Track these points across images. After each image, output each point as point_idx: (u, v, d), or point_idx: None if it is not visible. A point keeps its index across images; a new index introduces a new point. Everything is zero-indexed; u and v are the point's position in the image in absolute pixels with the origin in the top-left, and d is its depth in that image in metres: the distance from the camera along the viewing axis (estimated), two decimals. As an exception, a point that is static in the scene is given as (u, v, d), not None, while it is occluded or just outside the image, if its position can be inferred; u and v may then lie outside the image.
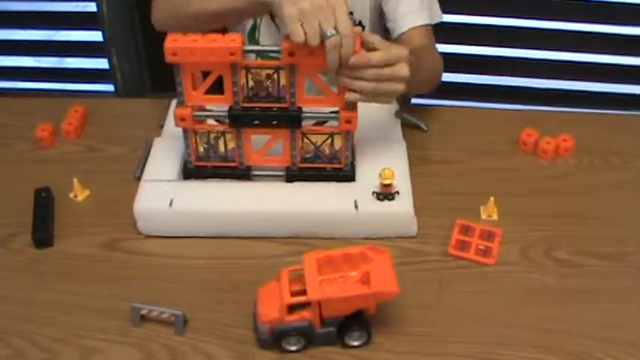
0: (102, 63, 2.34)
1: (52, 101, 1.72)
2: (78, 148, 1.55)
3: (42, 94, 2.49)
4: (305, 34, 1.17)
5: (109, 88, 2.38)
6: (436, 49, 1.60)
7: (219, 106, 1.32)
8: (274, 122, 1.31)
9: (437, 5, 1.62)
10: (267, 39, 1.63)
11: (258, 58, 1.31)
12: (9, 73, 2.58)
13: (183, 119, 1.31)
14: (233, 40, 1.23)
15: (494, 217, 1.37)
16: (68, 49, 2.55)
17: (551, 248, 1.32)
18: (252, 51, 1.27)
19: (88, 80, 2.55)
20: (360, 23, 1.61)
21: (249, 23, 1.63)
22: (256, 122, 1.32)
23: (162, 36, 1.25)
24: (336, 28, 1.17)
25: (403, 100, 1.63)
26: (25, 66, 2.67)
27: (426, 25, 1.56)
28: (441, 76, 1.60)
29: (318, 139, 1.34)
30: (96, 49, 2.33)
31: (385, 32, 1.61)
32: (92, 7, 2.22)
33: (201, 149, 1.36)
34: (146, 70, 2.30)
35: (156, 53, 1.28)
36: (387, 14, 1.58)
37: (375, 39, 1.24)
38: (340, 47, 1.18)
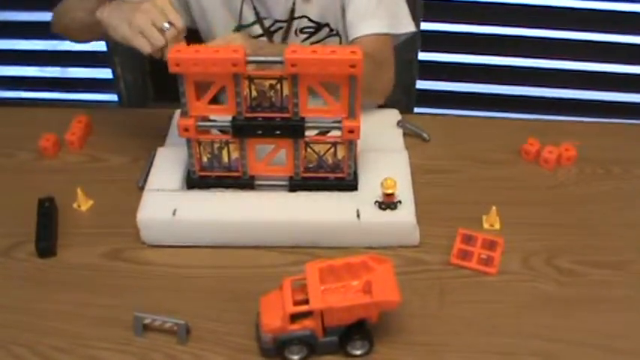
0: (106, 73, 2.34)
1: (55, 111, 1.73)
2: (81, 158, 1.56)
3: (45, 104, 2.49)
4: (149, 41, 1.28)
5: (113, 98, 2.39)
6: (387, 61, 1.56)
7: (222, 116, 1.32)
8: (277, 132, 1.32)
9: (405, 16, 1.59)
10: None
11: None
12: (12, 82, 2.59)
13: (186, 129, 1.32)
14: (236, 51, 1.24)
15: (496, 226, 1.37)
16: (72, 58, 2.54)
17: (553, 257, 1.32)
18: (254, 62, 1.27)
19: (91, 90, 2.55)
20: (337, 33, 1.61)
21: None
22: (259, 132, 1.32)
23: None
24: (170, 22, 1.28)
25: (405, 110, 1.63)
26: (29, 76, 2.67)
27: (379, 35, 1.53)
28: (383, 90, 1.57)
29: (321, 149, 1.35)
30: (100, 59, 2.34)
31: None
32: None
33: (204, 159, 1.37)
34: (150, 80, 2.30)
35: (160, 64, 1.28)
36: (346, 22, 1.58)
37: None
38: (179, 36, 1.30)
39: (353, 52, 1.23)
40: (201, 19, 1.63)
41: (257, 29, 1.59)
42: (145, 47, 1.29)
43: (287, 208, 1.34)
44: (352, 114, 1.30)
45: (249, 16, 1.58)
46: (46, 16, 2.37)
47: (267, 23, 1.58)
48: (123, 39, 1.31)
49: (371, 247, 1.31)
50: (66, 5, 1.54)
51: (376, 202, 1.33)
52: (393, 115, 1.59)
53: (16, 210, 1.42)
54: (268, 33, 1.59)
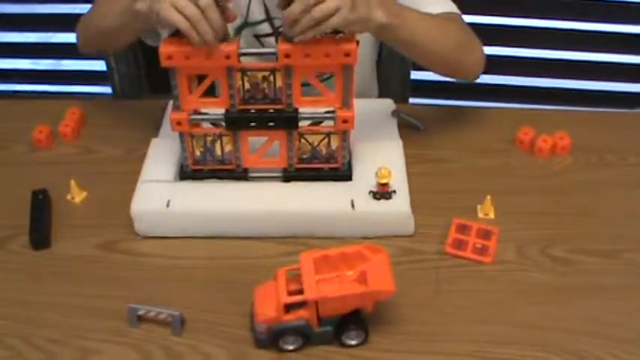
0: (99, 65, 2.33)
1: (48, 103, 1.72)
2: (75, 149, 1.56)
3: (39, 97, 2.49)
4: (186, 17, 1.18)
5: (107, 90, 2.37)
6: (471, 33, 1.51)
7: (214, 109, 1.32)
8: (271, 124, 1.32)
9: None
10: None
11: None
12: (5, 75, 2.57)
13: (179, 123, 1.31)
14: (229, 44, 1.23)
15: (491, 215, 1.37)
16: (65, 51, 2.53)
17: (548, 246, 1.32)
18: (248, 54, 1.27)
19: (85, 82, 2.54)
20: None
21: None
22: (253, 124, 1.32)
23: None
24: None
25: (400, 100, 1.63)
26: (22, 68, 2.66)
27: (450, 13, 1.50)
28: (476, 56, 1.52)
29: (314, 140, 1.35)
30: (93, 51, 2.33)
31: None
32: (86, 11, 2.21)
33: (197, 153, 1.37)
34: (143, 72, 2.29)
35: (153, 55, 1.28)
36: None
37: None
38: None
39: (347, 40, 1.23)
40: None
41: (265, 28, 1.56)
42: (180, 22, 1.18)
43: (281, 198, 1.34)
44: (346, 104, 1.29)
45: (257, 14, 1.54)
46: (38, 9, 2.38)
47: (277, 23, 1.55)
48: (158, 19, 1.21)
49: (366, 237, 1.31)
50: (92, 18, 1.52)
51: (371, 192, 1.32)
52: (388, 104, 1.58)
53: (9, 202, 1.42)
54: (277, 33, 1.56)
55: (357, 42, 1.25)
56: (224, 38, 1.23)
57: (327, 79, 1.33)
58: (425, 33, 1.36)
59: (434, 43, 1.39)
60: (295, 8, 1.18)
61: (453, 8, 1.52)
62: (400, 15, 1.30)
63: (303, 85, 1.29)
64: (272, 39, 1.55)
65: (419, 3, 1.43)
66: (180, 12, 1.18)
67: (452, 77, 1.55)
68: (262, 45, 1.56)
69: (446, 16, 1.47)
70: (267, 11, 1.52)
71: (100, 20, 1.44)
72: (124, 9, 1.31)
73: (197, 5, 1.18)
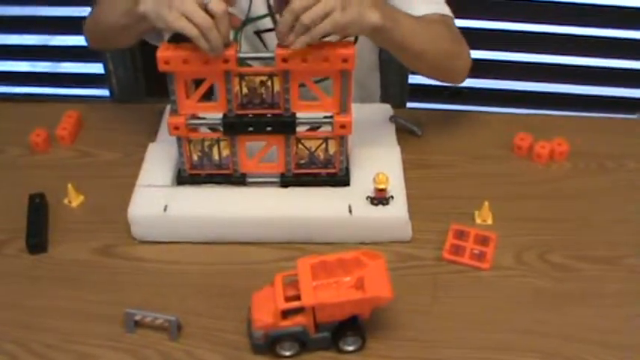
0: (97, 68, 2.33)
1: (46, 106, 1.72)
2: (72, 153, 1.55)
3: (37, 99, 2.48)
4: (193, 22, 1.17)
5: (105, 93, 2.37)
6: (461, 37, 1.51)
7: (212, 113, 1.31)
8: (268, 129, 1.31)
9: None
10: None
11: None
12: (4, 78, 2.57)
13: (177, 128, 1.31)
14: (227, 49, 1.23)
15: (489, 221, 1.37)
16: (63, 53, 2.54)
17: (546, 252, 1.32)
18: (246, 58, 1.26)
19: (83, 85, 2.54)
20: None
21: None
22: (250, 129, 1.31)
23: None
24: None
25: (398, 104, 1.62)
26: (20, 71, 2.66)
27: (438, 15, 1.48)
28: (464, 62, 1.52)
29: (312, 145, 1.34)
30: (91, 54, 2.31)
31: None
32: (88, 12, 2.21)
33: (195, 157, 1.36)
34: (142, 75, 2.29)
35: (151, 58, 1.27)
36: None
37: None
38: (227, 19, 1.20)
39: (345, 46, 1.23)
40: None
41: (267, 23, 1.55)
42: (190, 31, 1.17)
43: (279, 204, 1.33)
44: (344, 109, 1.29)
45: (259, 9, 1.52)
46: (36, 11, 2.38)
47: (279, 17, 1.54)
48: (166, 26, 1.21)
49: (363, 243, 1.31)
50: (97, 17, 1.50)
51: (368, 197, 1.32)
52: (385, 110, 1.58)
53: (6, 206, 1.42)
54: None
55: (356, 38, 1.24)
56: (227, 43, 1.23)
57: (323, 80, 1.32)
58: (417, 37, 1.36)
59: (424, 47, 1.39)
60: (286, 16, 1.18)
61: (445, 10, 1.51)
62: (394, 18, 1.30)
63: (300, 85, 1.28)
64: (272, 34, 1.54)
65: (409, 3, 1.43)
66: (189, 19, 1.17)
67: (438, 80, 1.55)
68: (262, 41, 1.56)
69: (437, 19, 1.47)
70: (269, 6, 1.51)
71: (105, 18, 1.43)
72: (127, 9, 1.30)
73: (208, 12, 1.17)
